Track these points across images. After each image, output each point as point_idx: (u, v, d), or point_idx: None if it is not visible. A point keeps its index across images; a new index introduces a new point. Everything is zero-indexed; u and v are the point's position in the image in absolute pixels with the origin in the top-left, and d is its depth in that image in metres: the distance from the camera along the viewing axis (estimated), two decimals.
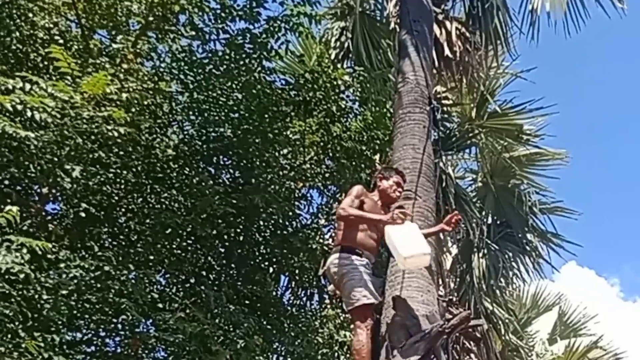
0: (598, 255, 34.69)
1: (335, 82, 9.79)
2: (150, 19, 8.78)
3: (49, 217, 8.78)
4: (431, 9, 7.92)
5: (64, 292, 7.20)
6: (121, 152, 8.47)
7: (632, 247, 32.77)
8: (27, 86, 6.96)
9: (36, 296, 7.06)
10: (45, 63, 8.34)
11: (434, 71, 8.44)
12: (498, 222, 12.43)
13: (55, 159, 7.58)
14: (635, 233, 31.67)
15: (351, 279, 6.00)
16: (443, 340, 5.73)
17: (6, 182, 7.73)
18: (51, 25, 8.65)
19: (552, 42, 10.45)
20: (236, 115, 9.40)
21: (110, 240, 8.93)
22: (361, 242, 6.15)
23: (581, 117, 27.07)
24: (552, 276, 13.55)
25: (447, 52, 8.40)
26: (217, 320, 8.11)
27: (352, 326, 6.11)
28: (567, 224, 13.01)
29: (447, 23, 8.63)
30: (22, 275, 6.54)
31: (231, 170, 9.79)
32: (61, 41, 8.54)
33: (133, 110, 8.08)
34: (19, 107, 6.83)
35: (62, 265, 7.50)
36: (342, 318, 10.01)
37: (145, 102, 7.98)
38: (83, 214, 8.42)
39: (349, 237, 6.15)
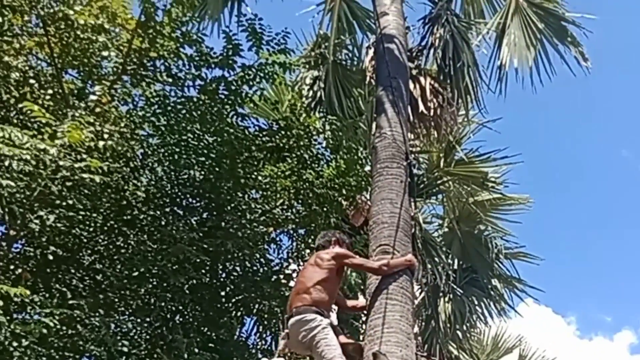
0: (554, 293, 35.22)
1: (307, 129, 9.86)
2: (127, 64, 8.76)
3: (15, 258, 8.67)
4: (407, 65, 8.04)
5: (33, 338, 7.11)
6: (90, 195, 8.41)
7: (587, 286, 33.39)
8: (6, 135, 6.87)
9: (6, 342, 6.96)
10: (19, 106, 8.24)
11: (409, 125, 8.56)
12: (464, 267, 12.63)
13: (27, 204, 7.53)
14: (589, 272, 32.30)
15: (324, 339, 5.97)
16: None
17: None
18: (25, 68, 8.56)
19: (518, 94, 10.62)
20: (208, 159, 9.40)
21: (78, 283, 8.79)
22: (327, 302, 6.16)
23: (543, 166, 27.87)
24: (509, 314, 13.93)
25: (421, 107, 8.55)
26: None
27: None
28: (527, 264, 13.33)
29: (422, 79, 8.80)
30: None
31: (201, 213, 9.76)
32: (35, 83, 8.45)
33: (108, 155, 8.02)
34: None
35: (29, 309, 7.43)
36: None
37: (120, 149, 7.90)
38: (50, 256, 8.36)
39: (318, 297, 6.12)
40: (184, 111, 9.29)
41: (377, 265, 6.37)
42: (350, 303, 6.96)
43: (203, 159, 9.42)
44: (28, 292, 6.68)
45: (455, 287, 12.21)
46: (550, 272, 29.78)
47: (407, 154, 7.32)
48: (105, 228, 9.07)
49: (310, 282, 6.18)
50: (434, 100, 8.77)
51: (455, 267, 12.53)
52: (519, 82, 10.48)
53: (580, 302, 36.00)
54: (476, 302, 12.63)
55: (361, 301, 6.84)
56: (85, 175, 7.16)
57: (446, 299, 12.22)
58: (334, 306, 6.48)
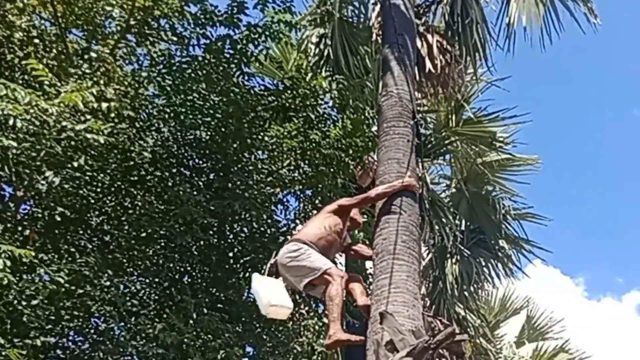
0: (563, 255, 35.25)
1: (314, 89, 9.77)
2: (131, 22, 8.66)
3: (23, 219, 8.69)
4: (413, 22, 7.92)
5: (41, 297, 7.16)
6: (96, 156, 8.39)
7: (597, 248, 33.41)
8: (10, 94, 6.82)
9: (14, 302, 7.00)
10: (23, 66, 8.17)
11: (417, 80, 8.47)
12: (471, 228, 12.58)
13: (33, 165, 7.51)
14: (600, 235, 32.29)
15: (308, 257, 6.17)
16: (429, 356, 5.76)
17: None
18: (28, 27, 8.47)
19: (527, 52, 10.48)
20: (214, 119, 9.34)
21: (86, 244, 8.81)
22: (314, 235, 6.34)
23: (553, 126, 27.63)
24: (517, 275, 13.94)
25: (429, 65, 8.44)
26: (196, 329, 8.05)
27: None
28: (535, 225, 13.28)
29: (429, 36, 8.67)
30: (4, 282, 6.48)
31: (208, 174, 9.73)
32: (39, 43, 8.38)
33: (112, 115, 7.97)
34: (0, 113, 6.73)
35: (38, 269, 7.46)
36: (320, 325, 10.00)
37: (124, 111, 7.84)
38: (58, 217, 8.37)
39: (304, 232, 6.48)
40: (189, 71, 9.18)
41: (373, 194, 6.60)
42: (356, 248, 7.07)
43: (209, 119, 9.34)
44: (33, 254, 6.70)
45: (462, 248, 12.17)
46: (560, 233, 29.85)
47: (414, 113, 7.25)
48: (113, 189, 9.06)
49: (309, 222, 6.67)
50: (442, 58, 8.65)
51: (463, 228, 12.47)
52: (527, 40, 10.36)
53: (592, 264, 36.06)
54: (484, 263, 12.61)
55: (366, 250, 6.86)
56: (89, 136, 7.12)
57: (453, 260, 12.20)
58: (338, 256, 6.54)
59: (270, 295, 6.13)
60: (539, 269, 29.60)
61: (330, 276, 6.08)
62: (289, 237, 9.77)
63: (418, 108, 11.20)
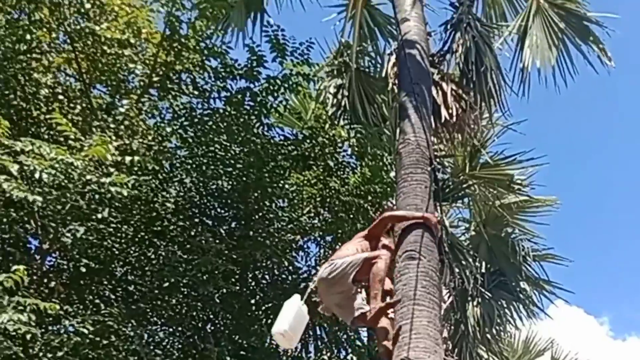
0: (586, 294, 34.91)
1: (332, 138, 9.95)
2: (153, 78, 8.91)
3: (49, 271, 8.84)
4: (429, 71, 8.08)
5: (66, 349, 7.27)
6: (120, 207, 8.56)
7: (621, 286, 33.07)
8: (36, 149, 7.03)
9: (40, 354, 7.12)
10: (48, 121, 8.41)
11: (432, 129, 8.60)
12: (492, 271, 12.60)
13: (58, 217, 7.69)
14: (622, 272, 31.99)
15: (345, 261, 6.32)
16: None
17: (11, 241, 7.75)
18: (54, 84, 8.74)
19: (543, 95, 10.62)
20: (235, 169, 9.52)
21: (110, 294, 8.94)
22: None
23: (572, 167, 27.69)
24: (539, 316, 13.90)
25: (444, 113, 8.58)
26: None
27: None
28: (557, 266, 13.27)
29: (444, 84, 8.80)
30: (29, 336, 6.60)
31: (230, 223, 9.87)
32: (64, 99, 8.63)
33: (136, 168, 8.16)
34: (26, 168, 6.93)
35: (63, 321, 7.59)
36: None
37: (148, 165, 8.04)
38: (83, 269, 8.52)
39: (339, 255, 6.52)
40: (210, 122, 9.42)
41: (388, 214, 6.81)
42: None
43: (230, 169, 9.54)
44: (58, 307, 6.83)
45: (483, 290, 12.18)
46: (582, 273, 29.57)
47: (432, 159, 7.36)
48: (136, 239, 9.23)
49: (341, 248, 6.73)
50: (457, 105, 8.78)
51: (483, 270, 12.50)
52: (542, 84, 10.49)
53: (615, 303, 35.63)
54: (505, 305, 12.60)
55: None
56: (112, 189, 7.29)
57: (474, 302, 12.20)
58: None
59: (288, 322, 6.21)
60: (562, 309, 29.28)
61: (372, 257, 6.27)
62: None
63: (435, 153, 11.39)
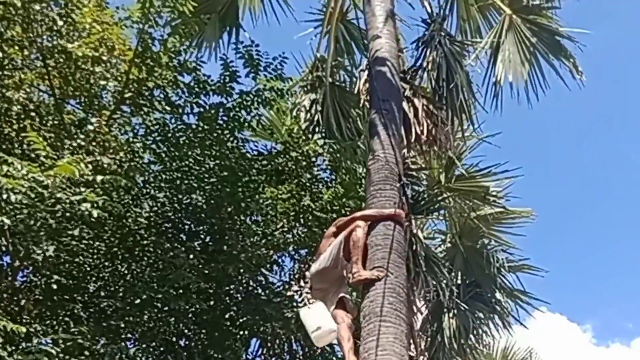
0: (569, 302, 35.11)
1: (306, 153, 10.00)
2: (126, 95, 8.93)
3: (20, 288, 8.82)
4: (399, 87, 8.16)
5: None
6: (92, 223, 8.55)
7: (604, 293, 33.32)
8: (4, 168, 7.03)
9: None
10: (20, 138, 8.41)
11: (404, 144, 8.67)
12: (467, 282, 12.65)
13: (28, 236, 7.68)
14: (606, 280, 32.25)
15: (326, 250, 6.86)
16: None
17: None
18: (26, 101, 8.74)
19: (518, 108, 10.73)
20: (208, 184, 9.54)
21: (82, 311, 8.92)
22: None
23: (550, 177, 28.13)
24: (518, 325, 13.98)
25: (416, 129, 8.67)
26: None
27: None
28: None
29: (416, 100, 8.89)
30: None
31: (204, 238, 9.89)
32: (36, 116, 8.63)
33: (107, 185, 8.16)
34: None
35: (34, 340, 7.57)
36: None
37: (119, 182, 8.05)
38: (54, 286, 8.50)
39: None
40: (183, 138, 9.44)
41: (358, 215, 7.08)
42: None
43: (204, 183, 9.56)
44: (24, 330, 6.83)
45: (459, 302, 12.23)
46: (564, 280, 29.84)
47: (400, 176, 7.43)
48: (109, 255, 9.23)
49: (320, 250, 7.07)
50: (428, 121, 8.89)
51: (459, 281, 12.56)
52: (515, 98, 10.60)
53: (598, 309, 35.92)
54: (482, 316, 12.66)
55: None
56: (83, 208, 7.30)
57: (450, 314, 12.25)
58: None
59: (313, 324, 6.65)
60: (544, 317, 29.46)
61: (349, 231, 6.72)
62: (284, 299, 9.94)
63: (411, 166, 11.48)
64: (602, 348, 35.16)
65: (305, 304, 7.42)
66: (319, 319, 6.67)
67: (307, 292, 7.24)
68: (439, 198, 11.97)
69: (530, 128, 26.27)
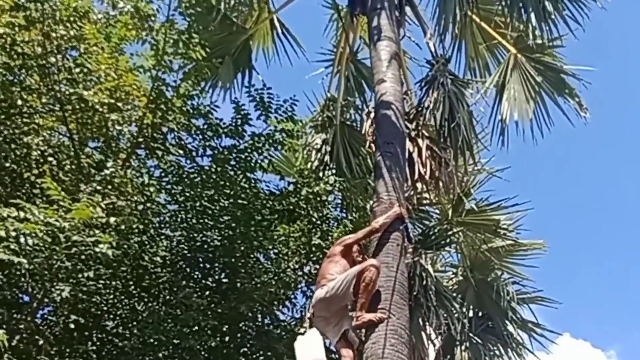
0: (593, 328, 34.87)
1: (316, 193, 10.25)
2: (140, 139, 9.25)
3: (39, 327, 9.08)
4: (403, 130, 8.39)
5: None
6: (108, 263, 8.83)
7: (629, 318, 33.06)
8: (22, 214, 7.35)
9: None
10: (39, 182, 8.72)
11: (409, 184, 8.89)
12: (479, 315, 12.77)
13: (46, 278, 7.98)
14: (631, 304, 32.06)
15: (337, 279, 7.00)
16: None
17: None
18: (44, 146, 9.08)
19: (526, 143, 10.98)
20: (222, 223, 9.79)
21: (100, 349, 9.17)
22: None
23: (563, 209, 28.47)
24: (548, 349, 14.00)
25: (420, 169, 8.90)
26: None
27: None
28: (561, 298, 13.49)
29: (420, 140, 9.13)
30: None
31: (219, 275, 10.13)
32: (54, 162, 8.96)
33: (122, 227, 8.46)
34: (13, 233, 7.24)
35: None
36: None
37: (133, 224, 8.33)
38: (72, 325, 8.76)
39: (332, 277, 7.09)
40: (197, 179, 9.74)
41: (377, 225, 7.33)
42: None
43: (218, 223, 9.82)
44: None
45: (471, 335, 12.35)
46: (587, 307, 29.79)
47: (404, 218, 7.66)
48: (126, 294, 9.49)
49: (325, 271, 7.21)
50: (432, 161, 9.12)
51: (471, 314, 12.67)
52: (520, 135, 10.84)
53: (622, 335, 35.55)
54: (494, 349, 12.74)
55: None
56: (97, 249, 7.59)
57: (462, 347, 12.37)
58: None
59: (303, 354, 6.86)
60: (568, 342, 29.29)
61: (363, 268, 6.80)
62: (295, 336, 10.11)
63: (424, 201, 11.68)
64: None
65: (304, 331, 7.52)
66: (311, 352, 6.87)
67: (308, 318, 7.26)
68: (449, 232, 12.16)
69: (540, 160, 26.64)
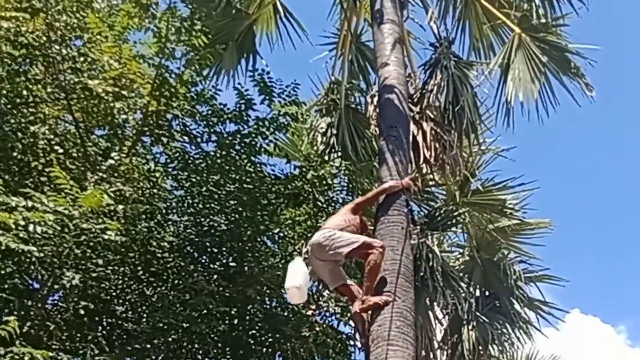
0: (603, 303, 34.98)
1: (322, 176, 10.30)
2: (145, 127, 9.32)
3: (49, 312, 9.20)
4: (407, 113, 8.41)
5: None
6: (116, 249, 8.93)
7: (638, 295, 33.14)
8: (30, 203, 7.43)
9: None
10: (46, 171, 8.80)
11: (413, 167, 8.94)
12: (486, 294, 12.88)
13: (55, 266, 8.08)
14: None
15: (342, 234, 7.04)
16: None
17: (8, 291, 8.13)
18: (51, 135, 9.15)
19: (532, 122, 10.98)
20: (228, 207, 9.86)
21: (108, 332, 9.29)
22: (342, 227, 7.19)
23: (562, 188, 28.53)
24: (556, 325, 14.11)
25: (425, 152, 8.94)
26: None
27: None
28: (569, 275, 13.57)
29: (424, 124, 9.17)
30: None
31: (226, 259, 10.21)
32: (60, 150, 9.03)
33: (130, 214, 8.54)
34: (22, 222, 7.33)
35: None
36: None
37: (140, 211, 8.41)
38: (82, 311, 8.88)
39: (331, 224, 7.25)
40: (203, 165, 9.80)
41: (384, 187, 7.51)
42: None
43: (225, 207, 9.88)
44: (51, 354, 7.17)
45: (478, 314, 12.45)
46: (597, 282, 29.91)
47: (408, 201, 7.70)
48: (135, 279, 9.59)
49: (329, 220, 7.44)
50: (436, 144, 9.16)
51: (478, 294, 12.78)
52: (526, 114, 10.85)
53: (632, 311, 35.67)
54: (501, 328, 12.85)
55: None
56: (105, 236, 7.69)
57: (470, 326, 12.48)
58: None
59: (296, 278, 7.00)
60: (578, 318, 29.42)
61: (370, 247, 6.88)
62: (302, 318, 10.23)
63: (429, 182, 11.74)
64: (638, 349, 34.92)
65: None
66: (291, 279, 7.03)
67: (304, 253, 7.35)
68: (455, 213, 12.24)
69: (547, 139, 26.66)
